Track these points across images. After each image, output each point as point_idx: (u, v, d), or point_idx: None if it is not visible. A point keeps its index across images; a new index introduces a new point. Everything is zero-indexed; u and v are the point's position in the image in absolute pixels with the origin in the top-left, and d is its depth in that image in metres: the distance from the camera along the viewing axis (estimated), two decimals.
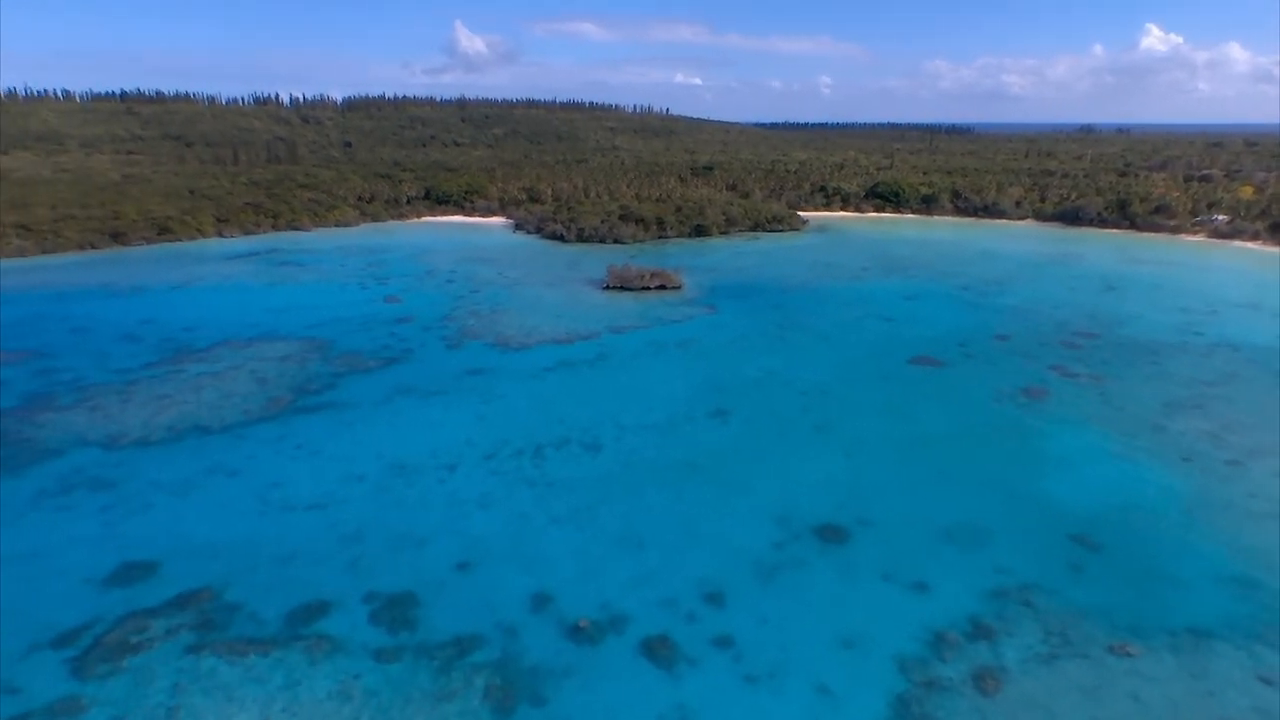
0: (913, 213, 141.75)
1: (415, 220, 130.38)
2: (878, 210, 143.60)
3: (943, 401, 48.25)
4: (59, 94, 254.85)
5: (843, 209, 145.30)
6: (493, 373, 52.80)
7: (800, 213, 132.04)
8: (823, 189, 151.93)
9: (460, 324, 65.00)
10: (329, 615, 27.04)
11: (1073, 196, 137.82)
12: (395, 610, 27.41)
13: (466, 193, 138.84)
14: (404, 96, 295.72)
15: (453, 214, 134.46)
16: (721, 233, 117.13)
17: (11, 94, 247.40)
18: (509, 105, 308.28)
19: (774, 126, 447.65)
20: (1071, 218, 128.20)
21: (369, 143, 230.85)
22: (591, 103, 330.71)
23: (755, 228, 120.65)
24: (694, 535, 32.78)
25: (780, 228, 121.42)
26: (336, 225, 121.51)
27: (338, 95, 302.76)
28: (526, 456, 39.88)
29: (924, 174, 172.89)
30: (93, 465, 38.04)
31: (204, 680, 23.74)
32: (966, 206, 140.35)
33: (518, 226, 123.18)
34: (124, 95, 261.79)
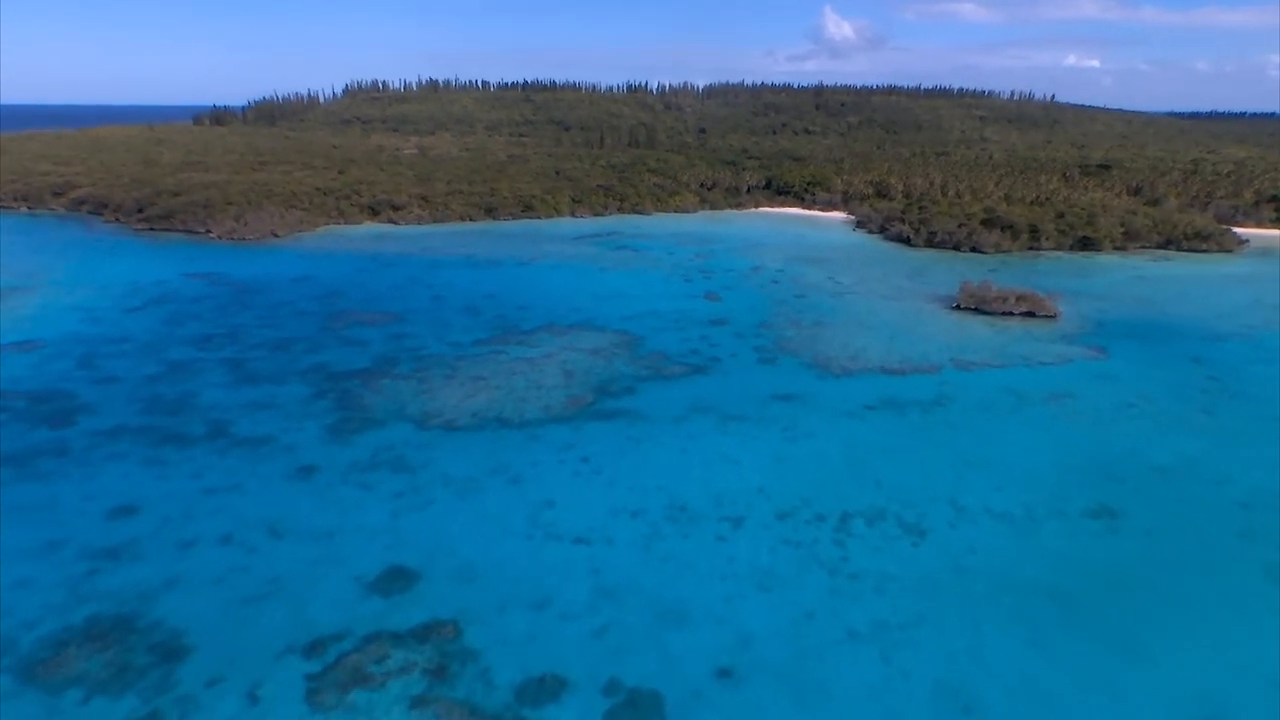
0: None
1: (751, 210, 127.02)
2: None
3: None
4: (478, 84, 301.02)
5: None
6: (804, 401, 45.52)
7: (1235, 229, 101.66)
8: (1273, 199, 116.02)
9: (777, 334, 58.57)
10: (560, 700, 22.67)
11: None
12: (634, 716, 22.14)
13: (808, 184, 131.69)
14: (761, 83, 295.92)
15: (791, 206, 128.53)
16: (1116, 248, 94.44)
17: (446, 84, 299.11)
18: (867, 92, 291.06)
19: (1195, 116, 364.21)
20: None
21: (721, 129, 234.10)
22: (960, 89, 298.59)
23: (1166, 245, 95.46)
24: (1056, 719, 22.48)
25: (1203, 247, 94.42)
26: (676, 211, 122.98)
27: (701, 83, 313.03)
28: (828, 526, 32.19)
29: None
30: (401, 443, 39.12)
31: None
32: None
33: (859, 224, 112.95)
34: (524, 85, 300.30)
